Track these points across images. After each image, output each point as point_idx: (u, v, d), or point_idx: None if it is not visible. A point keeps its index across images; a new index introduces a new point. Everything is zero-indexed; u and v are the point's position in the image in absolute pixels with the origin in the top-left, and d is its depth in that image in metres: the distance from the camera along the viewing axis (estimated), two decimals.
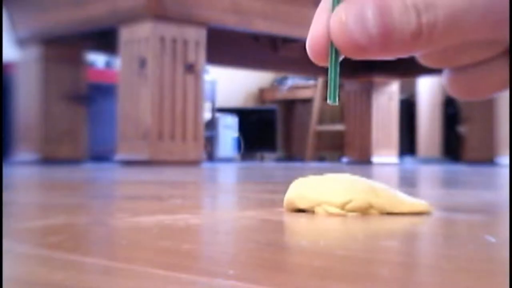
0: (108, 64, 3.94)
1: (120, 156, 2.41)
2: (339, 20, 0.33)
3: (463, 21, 0.32)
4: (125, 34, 2.43)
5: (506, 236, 0.31)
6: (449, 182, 0.88)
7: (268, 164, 3.53)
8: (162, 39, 2.36)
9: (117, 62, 2.60)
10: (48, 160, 2.78)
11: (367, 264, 0.24)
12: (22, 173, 1.53)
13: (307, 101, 4.85)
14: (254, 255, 0.26)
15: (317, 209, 0.41)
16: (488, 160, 3.39)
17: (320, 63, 0.37)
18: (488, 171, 1.81)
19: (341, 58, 0.36)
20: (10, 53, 2.97)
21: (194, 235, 0.33)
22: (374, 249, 0.28)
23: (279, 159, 4.90)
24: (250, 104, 5.40)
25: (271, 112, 5.13)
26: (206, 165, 2.53)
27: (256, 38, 3.16)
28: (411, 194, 0.43)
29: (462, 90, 0.39)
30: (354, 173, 0.44)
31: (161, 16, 2.36)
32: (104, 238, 0.33)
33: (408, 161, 4.15)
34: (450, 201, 0.57)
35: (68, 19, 2.72)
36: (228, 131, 4.61)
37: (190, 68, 2.41)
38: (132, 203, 0.54)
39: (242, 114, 4.86)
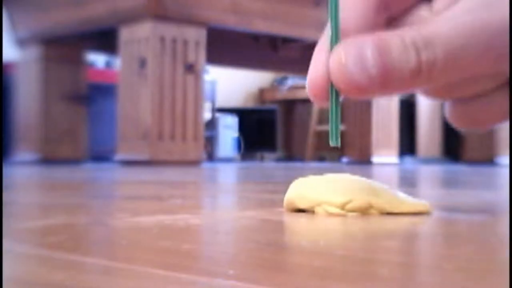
0: (108, 64, 3.94)
1: (120, 156, 2.41)
2: (338, 61, 0.33)
3: (463, 58, 0.32)
4: (125, 34, 2.43)
5: (506, 236, 0.31)
6: (449, 182, 0.88)
7: (268, 164, 3.53)
8: (162, 39, 2.36)
9: (117, 62, 2.60)
10: (48, 160, 2.78)
11: (367, 264, 0.24)
12: (22, 173, 1.53)
13: (307, 101, 4.84)
14: (254, 255, 0.26)
15: (317, 209, 0.41)
16: (488, 160, 3.39)
17: (321, 103, 0.37)
18: (488, 171, 1.81)
19: (341, 99, 0.36)
20: (10, 53, 2.97)
21: (194, 235, 0.33)
22: (374, 249, 0.28)
23: (279, 159, 4.90)
24: (250, 104, 5.40)
25: (271, 112, 5.13)
26: (206, 165, 2.53)
27: (256, 38, 3.16)
28: (411, 194, 0.43)
29: (463, 121, 0.39)
30: (354, 173, 0.44)
31: (161, 16, 2.36)
32: (104, 238, 0.33)
33: (408, 161, 4.15)
34: (450, 201, 0.57)
35: (68, 19, 2.72)
36: (228, 131, 4.61)
37: (190, 68, 2.41)
38: (132, 203, 0.54)
39: (242, 114, 4.86)
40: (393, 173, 1.38)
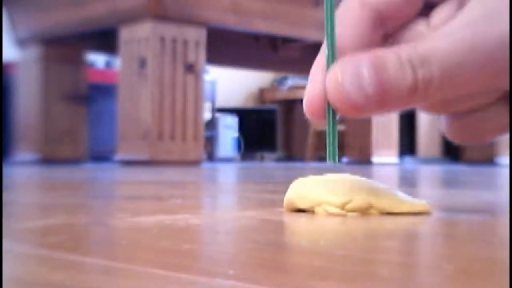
0: (108, 64, 3.94)
1: (120, 156, 2.41)
2: (335, 81, 0.33)
3: (460, 75, 0.31)
4: (125, 34, 2.43)
5: (506, 236, 0.31)
6: (449, 182, 0.88)
7: (268, 164, 3.53)
8: (162, 39, 2.36)
9: (117, 62, 2.60)
10: (48, 160, 2.78)
11: (367, 264, 0.24)
12: (22, 173, 1.53)
13: None
14: (254, 255, 0.26)
15: (317, 209, 0.41)
16: (488, 160, 3.39)
17: (318, 121, 0.36)
18: (488, 171, 1.81)
19: (338, 117, 0.35)
20: (10, 53, 2.97)
21: (194, 235, 0.33)
22: (374, 249, 0.28)
23: (279, 159, 4.90)
24: (250, 104, 5.40)
25: (271, 112, 5.13)
26: (206, 165, 2.53)
27: (256, 38, 3.16)
28: (411, 194, 0.43)
29: (460, 135, 0.38)
30: (354, 173, 0.44)
31: (161, 16, 2.36)
32: (104, 238, 0.33)
33: (408, 161, 4.15)
34: (450, 201, 0.57)
35: (68, 19, 2.72)
36: (228, 131, 4.61)
37: (190, 68, 2.41)
38: (132, 203, 0.54)
39: (242, 114, 4.86)
40: (393, 173, 1.38)
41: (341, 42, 0.35)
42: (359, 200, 0.40)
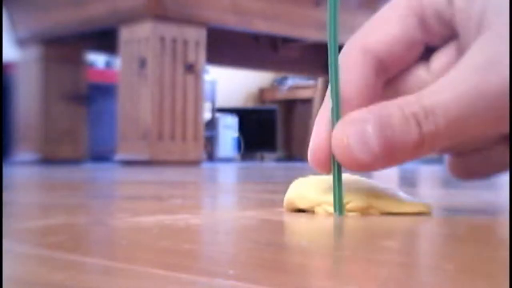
0: (108, 64, 3.94)
1: (120, 156, 2.41)
2: (341, 143, 0.34)
3: (464, 125, 0.32)
4: (125, 34, 2.43)
5: (506, 236, 0.31)
6: (449, 182, 0.88)
7: (268, 164, 3.53)
8: (162, 39, 2.36)
9: (117, 62, 2.60)
10: (48, 160, 2.78)
11: (367, 264, 0.24)
12: (22, 173, 1.53)
13: (307, 101, 4.85)
14: (254, 255, 0.26)
15: (317, 209, 0.41)
16: None
17: (323, 173, 0.37)
18: None
19: (343, 170, 0.37)
20: (10, 53, 2.97)
21: (194, 235, 0.33)
22: (374, 249, 0.28)
23: (279, 159, 4.90)
24: (250, 104, 5.39)
25: (271, 112, 5.13)
26: (206, 165, 2.53)
27: (256, 38, 3.16)
28: (411, 194, 0.43)
29: (463, 173, 0.39)
30: (354, 173, 0.44)
31: (161, 16, 2.36)
32: (104, 238, 0.33)
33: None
34: (450, 201, 0.57)
35: (68, 19, 2.72)
36: (228, 131, 4.61)
37: (190, 68, 2.41)
38: (132, 203, 0.54)
39: (242, 114, 4.86)
40: (393, 173, 1.38)
41: (345, 90, 0.36)
42: (359, 200, 0.40)
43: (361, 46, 0.36)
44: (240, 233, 0.35)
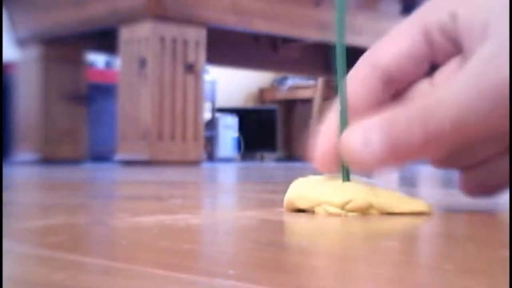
0: (108, 64, 3.94)
1: (120, 156, 2.41)
2: (347, 148, 0.36)
3: (468, 124, 0.33)
4: (125, 34, 2.43)
5: (506, 236, 0.31)
6: (449, 182, 0.88)
7: (268, 164, 3.53)
8: (162, 39, 2.36)
9: (117, 62, 2.60)
10: (48, 160, 2.78)
11: (367, 264, 0.24)
12: (22, 173, 1.53)
13: (307, 101, 4.85)
14: (254, 255, 0.26)
15: (317, 209, 0.41)
16: None
17: (326, 172, 0.40)
18: None
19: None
20: (10, 53, 2.97)
21: (194, 235, 0.33)
22: (374, 249, 0.28)
23: (279, 159, 4.89)
24: (250, 104, 5.39)
25: (271, 112, 5.13)
26: (206, 165, 2.53)
27: (256, 38, 3.16)
28: (411, 194, 0.43)
29: (474, 189, 0.41)
30: (354, 173, 0.44)
31: (161, 16, 2.36)
32: (104, 238, 0.33)
33: None
34: (450, 201, 0.57)
35: (68, 19, 2.72)
36: (228, 131, 4.61)
37: (190, 68, 2.41)
38: (132, 203, 0.54)
39: (242, 114, 4.86)
40: (393, 173, 1.38)
41: (353, 100, 0.38)
42: (359, 200, 0.40)
43: (370, 60, 0.38)
44: (240, 233, 0.35)
